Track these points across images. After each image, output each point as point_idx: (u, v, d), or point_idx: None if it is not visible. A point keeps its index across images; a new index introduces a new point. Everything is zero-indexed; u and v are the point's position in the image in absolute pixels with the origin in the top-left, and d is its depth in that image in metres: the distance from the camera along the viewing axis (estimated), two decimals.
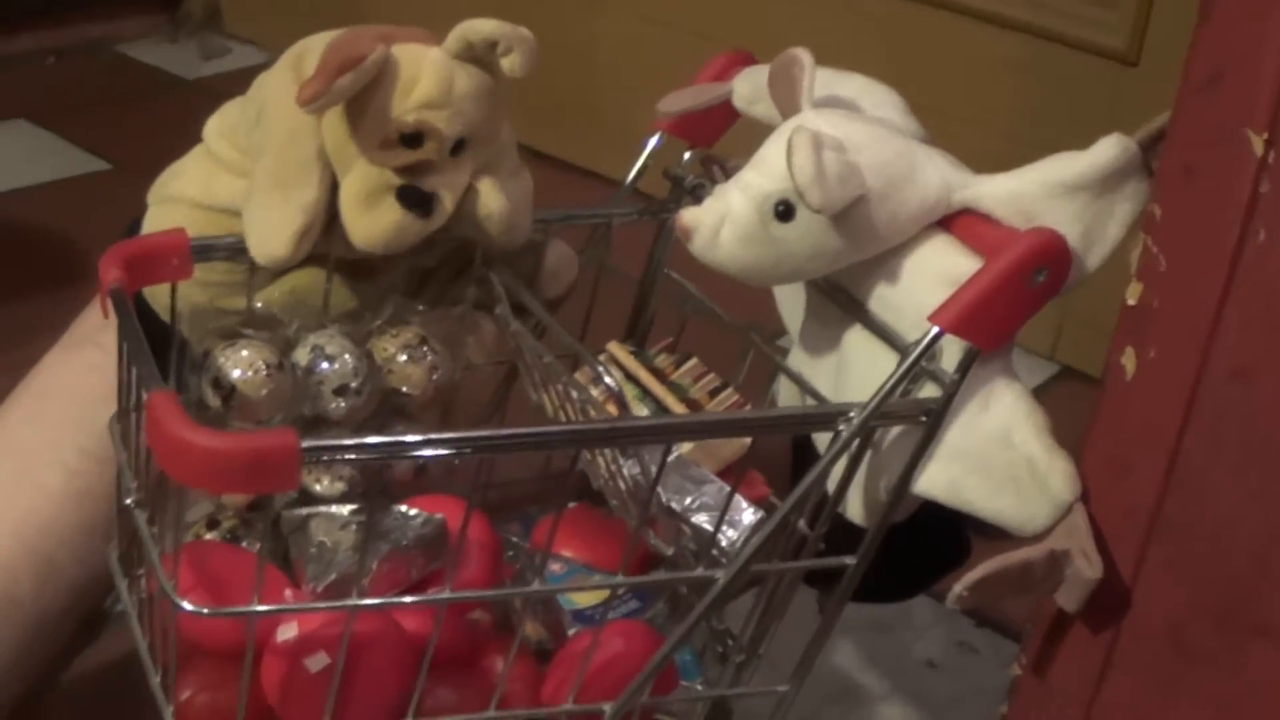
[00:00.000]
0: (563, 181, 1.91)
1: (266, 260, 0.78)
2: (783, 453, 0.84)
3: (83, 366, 0.91)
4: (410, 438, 0.64)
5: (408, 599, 0.70)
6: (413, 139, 0.77)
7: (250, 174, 0.80)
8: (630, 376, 0.87)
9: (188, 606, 0.65)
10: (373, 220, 0.77)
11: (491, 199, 0.80)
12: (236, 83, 0.85)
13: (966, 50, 1.68)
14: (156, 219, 0.84)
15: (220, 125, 0.84)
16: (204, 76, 2.25)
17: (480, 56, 0.78)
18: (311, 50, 0.80)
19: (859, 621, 1.20)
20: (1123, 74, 1.57)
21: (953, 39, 1.68)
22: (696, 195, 0.85)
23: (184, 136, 0.86)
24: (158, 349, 0.68)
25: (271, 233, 0.78)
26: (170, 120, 1.11)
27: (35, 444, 0.90)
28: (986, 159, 0.75)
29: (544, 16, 1.06)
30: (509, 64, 0.77)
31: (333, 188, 0.79)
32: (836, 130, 0.71)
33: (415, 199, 0.77)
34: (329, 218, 0.79)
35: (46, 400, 0.92)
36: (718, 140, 0.88)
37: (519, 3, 1.14)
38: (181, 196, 0.84)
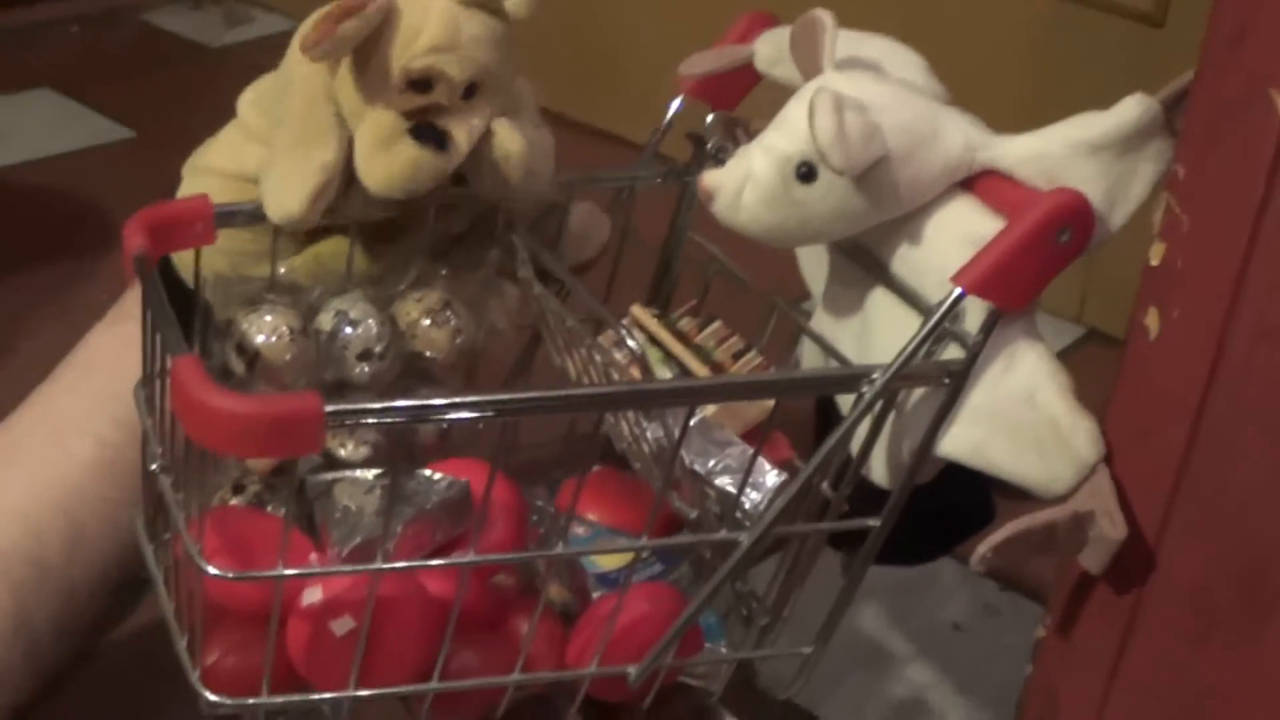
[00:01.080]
0: (585, 146, 1.90)
1: (282, 218, 0.78)
2: (806, 415, 0.84)
3: (124, 341, 0.91)
4: (434, 401, 0.64)
5: (432, 562, 0.70)
6: (422, 84, 0.77)
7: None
8: (654, 340, 0.87)
9: (213, 570, 0.66)
10: (389, 160, 0.77)
11: (509, 140, 0.80)
12: (260, 51, 0.85)
13: (990, 11, 1.67)
14: (188, 189, 0.85)
15: (254, 95, 0.85)
16: (227, 44, 2.25)
17: (486, 3, 0.78)
18: None
19: (883, 584, 1.19)
20: (1149, 35, 1.56)
21: None
22: (719, 158, 0.85)
23: (207, 104, 0.86)
24: (182, 316, 0.68)
25: (288, 191, 0.78)
26: (194, 88, 1.12)
27: (71, 414, 0.91)
28: (1009, 120, 0.75)
29: None
30: (513, 4, 0.77)
31: (350, 151, 0.79)
32: (858, 91, 0.71)
33: (429, 134, 0.77)
34: (348, 181, 0.79)
35: (87, 372, 0.93)
36: (740, 102, 0.88)
37: None
38: (211, 167, 0.84)
